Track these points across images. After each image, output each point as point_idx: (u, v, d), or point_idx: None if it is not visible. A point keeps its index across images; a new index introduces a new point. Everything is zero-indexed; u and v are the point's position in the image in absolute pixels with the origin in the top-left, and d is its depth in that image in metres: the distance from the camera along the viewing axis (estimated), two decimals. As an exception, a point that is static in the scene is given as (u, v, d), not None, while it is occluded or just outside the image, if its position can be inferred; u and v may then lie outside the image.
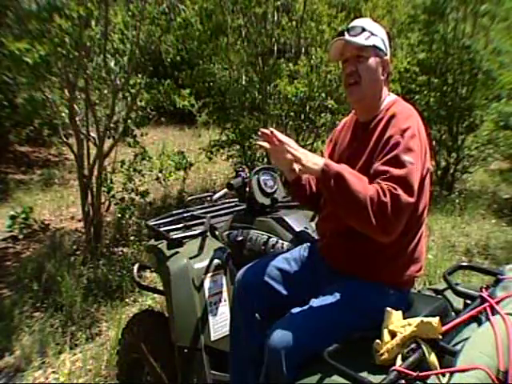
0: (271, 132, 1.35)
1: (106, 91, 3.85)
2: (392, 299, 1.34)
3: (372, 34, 1.41)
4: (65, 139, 4.04)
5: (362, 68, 1.40)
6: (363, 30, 1.41)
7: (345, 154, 1.52)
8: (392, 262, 1.37)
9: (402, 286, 1.40)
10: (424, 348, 1.10)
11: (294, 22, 5.05)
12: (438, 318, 1.13)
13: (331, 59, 1.53)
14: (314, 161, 1.30)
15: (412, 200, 1.24)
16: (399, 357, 1.10)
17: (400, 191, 1.21)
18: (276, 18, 4.98)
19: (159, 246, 1.83)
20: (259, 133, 1.39)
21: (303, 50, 5.24)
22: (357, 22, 1.45)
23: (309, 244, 1.63)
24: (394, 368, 1.04)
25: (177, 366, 1.66)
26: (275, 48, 5.03)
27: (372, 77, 1.42)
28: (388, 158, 1.28)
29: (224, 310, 1.72)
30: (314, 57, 4.73)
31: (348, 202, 1.24)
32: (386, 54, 1.44)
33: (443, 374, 1.02)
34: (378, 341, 1.16)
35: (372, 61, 1.41)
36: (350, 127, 1.57)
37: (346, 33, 1.42)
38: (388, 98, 1.47)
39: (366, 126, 1.46)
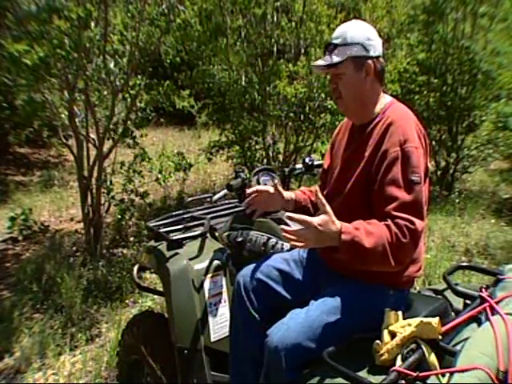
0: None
1: (105, 92, 3.85)
2: (392, 300, 1.34)
3: (345, 45, 1.39)
4: (64, 140, 4.04)
5: (341, 84, 1.43)
6: (335, 46, 1.41)
7: (343, 158, 1.52)
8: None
9: (401, 287, 1.40)
10: (424, 348, 1.10)
11: (293, 23, 5.05)
12: (437, 319, 1.14)
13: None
14: (330, 237, 1.22)
15: (424, 223, 1.27)
16: (399, 357, 1.10)
17: (416, 221, 1.22)
18: (275, 19, 4.98)
19: (159, 247, 1.83)
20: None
21: (303, 50, 5.24)
22: (332, 38, 1.44)
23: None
24: (393, 368, 1.04)
25: (177, 367, 1.66)
26: (275, 49, 5.03)
27: (352, 91, 1.42)
28: (394, 179, 1.27)
29: (224, 310, 1.72)
30: (313, 57, 4.73)
31: (369, 262, 1.25)
32: (368, 57, 1.40)
33: (443, 374, 1.02)
34: (377, 341, 1.16)
35: (350, 75, 1.40)
36: (347, 130, 1.58)
37: (325, 52, 1.44)
38: (383, 99, 1.46)
39: (362, 128, 1.46)
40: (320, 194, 1.24)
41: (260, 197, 1.62)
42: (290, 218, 1.20)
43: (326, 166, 1.67)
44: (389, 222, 1.23)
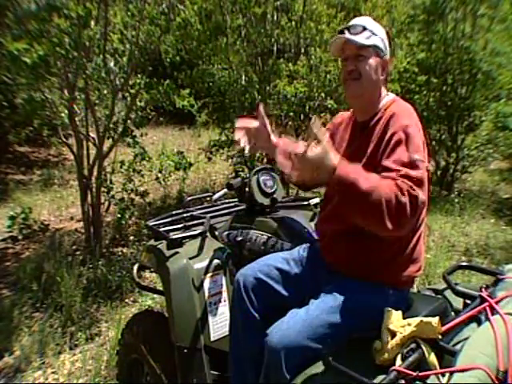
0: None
1: (105, 91, 3.85)
2: (391, 299, 1.34)
3: (373, 34, 1.42)
4: (64, 139, 4.04)
5: (361, 66, 1.41)
6: (364, 28, 1.41)
7: (344, 155, 1.51)
8: (391, 262, 1.37)
9: (401, 286, 1.40)
10: (424, 348, 1.10)
11: (293, 22, 5.05)
12: (437, 318, 1.13)
13: (332, 55, 1.53)
14: (325, 169, 1.20)
15: (425, 199, 1.24)
16: (399, 357, 1.10)
17: (418, 191, 1.20)
18: (275, 18, 4.98)
19: (159, 246, 1.83)
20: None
21: (302, 50, 5.23)
22: (358, 21, 1.46)
23: (308, 244, 1.63)
24: (393, 368, 1.04)
25: (176, 366, 1.66)
26: (275, 48, 5.03)
27: (371, 76, 1.42)
28: (399, 158, 1.26)
29: (224, 310, 1.72)
30: (313, 57, 4.73)
31: (361, 208, 1.20)
32: (385, 55, 1.45)
33: (443, 374, 1.02)
34: (377, 341, 1.16)
35: (372, 60, 1.41)
36: (349, 126, 1.57)
37: (346, 31, 1.42)
38: (386, 97, 1.48)
39: (364, 125, 1.46)
40: (319, 128, 1.19)
41: (249, 132, 1.54)
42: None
43: None
44: (390, 178, 1.21)
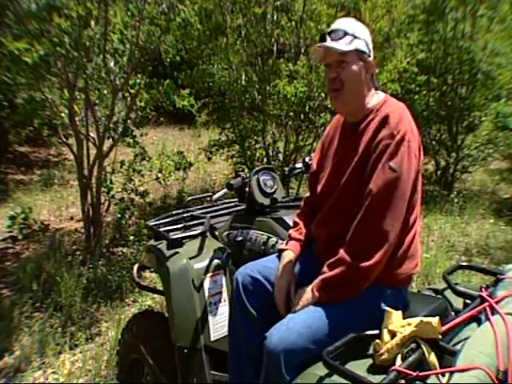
0: None
1: (105, 91, 3.85)
2: (390, 298, 1.34)
3: (354, 37, 1.39)
4: (64, 139, 4.04)
5: (344, 74, 1.39)
6: (345, 33, 1.38)
7: (335, 158, 1.51)
8: (388, 261, 1.36)
9: (399, 285, 1.39)
10: (424, 348, 1.10)
11: (293, 22, 5.04)
12: (437, 318, 1.13)
13: (314, 62, 1.52)
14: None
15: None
16: (399, 357, 1.10)
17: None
18: (275, 18, 4.98)
19: (159, 246, 1.83)
20: None
21: (302, 49, 5.23)
22: (339, 25, 1.42)
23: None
24: (393, 368, 1.04)
25: (176, 366, 1.66)
26: (274, 48, 5.03)
27: (355, 82, 1.40)
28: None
29: (224, 310, 1.72)
30: (313, 57, 4.72)
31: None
32: (369, 56, 1.43)
33: (443, 374, 1.02)
34: (377, 341, 1.16)
35: (354, 66, 1.39)
36: (338, 129, 1.56)
37: (328, 36, 1.40)
38: (377, 96, 1.45)
39: (355, 126, 1.45)
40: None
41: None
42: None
43: (314, 167, 1.66)
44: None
